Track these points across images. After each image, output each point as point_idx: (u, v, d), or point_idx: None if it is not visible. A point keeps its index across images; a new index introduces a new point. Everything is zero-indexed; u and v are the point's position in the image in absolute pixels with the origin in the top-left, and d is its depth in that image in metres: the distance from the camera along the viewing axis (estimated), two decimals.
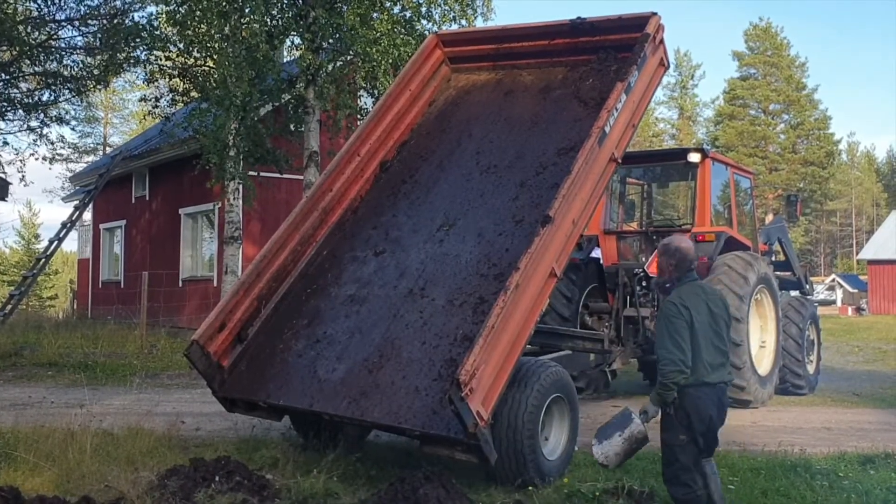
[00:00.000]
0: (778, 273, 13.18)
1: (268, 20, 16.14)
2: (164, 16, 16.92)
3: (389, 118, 8.69)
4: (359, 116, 16.73)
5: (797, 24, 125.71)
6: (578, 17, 8.38)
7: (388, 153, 8.69)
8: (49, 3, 19.17)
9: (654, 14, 7.92)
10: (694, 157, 11.84)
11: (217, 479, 5.86)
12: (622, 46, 8.06)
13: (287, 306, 7.69)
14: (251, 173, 16.97)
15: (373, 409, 6.33)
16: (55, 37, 20.24)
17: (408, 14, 16.51)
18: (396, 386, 6.39)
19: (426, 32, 15.80)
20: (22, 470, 6.31)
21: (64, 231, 20.39)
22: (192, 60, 17.56)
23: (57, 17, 19.73)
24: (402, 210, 8.08)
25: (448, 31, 12.27)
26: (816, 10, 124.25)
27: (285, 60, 20.41)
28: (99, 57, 19.50)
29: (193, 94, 17.83)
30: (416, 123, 8.94)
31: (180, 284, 22.39)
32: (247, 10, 15.65)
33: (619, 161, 7.62)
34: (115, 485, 5.89)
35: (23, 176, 22.73)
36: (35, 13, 19.56)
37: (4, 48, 19.31)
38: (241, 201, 16.50)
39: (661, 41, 8.12)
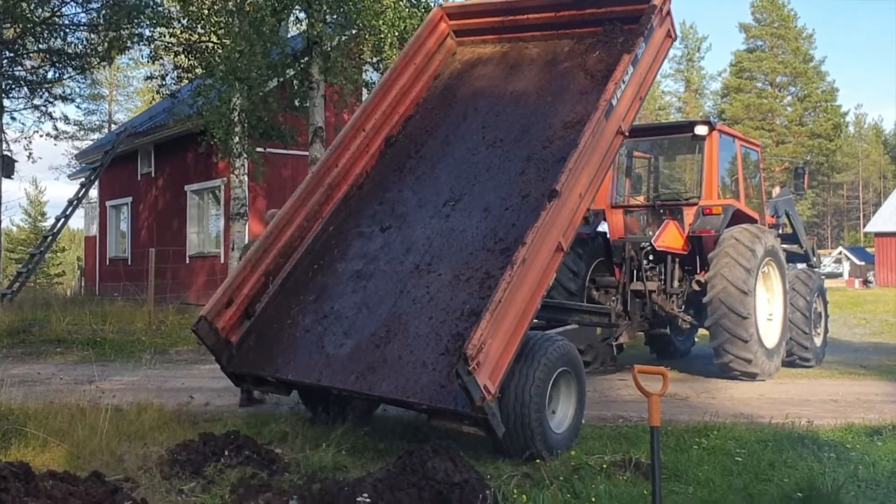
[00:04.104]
0: (785, 246, 13.14)
1: None
2: None
3: (394, 93, 8.61)
4: (365, 90, 16.65)
5: None
6: None
7: (393, 128, 8.63)
8: None
9: None
10: (701, 130, 11.79)
11: (226, 453, 5.90)
12: (628, 18, 7.96)
13: (294, 282, 7.70)
14: (258, 149, 16.95)
15: (380, 384, 6.35)
16: (59, 14, 20.14)
17: None
18: (404, 360, 6.39)
19: (431, 4, 15.70)
20: (32, 446, 6.34)
21: (70, 208, 20.47)
22: (197, 36, 17.49)
23: None
24: (407, 185, 8.04)
25: (453, 4, 12.15)
26: None
27: (290, 35, 20.31)
28: (103, 34, 19.41)
29: (198, 70, 17.77)
30: (421, 98, 8.86)
31: (187, 261, 22.45)
32: None
33: (626, 134, 7.58)
34: (126, 460, 5.93)
35: (30, 154, 22.72)
36: None
37: (8, 25, 19.23)
38: (246, 177, 16.48)
39: (668, 12, 8.02)
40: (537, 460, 6.29)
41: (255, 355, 7.26)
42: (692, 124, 12.11)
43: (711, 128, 11.85)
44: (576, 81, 8.00)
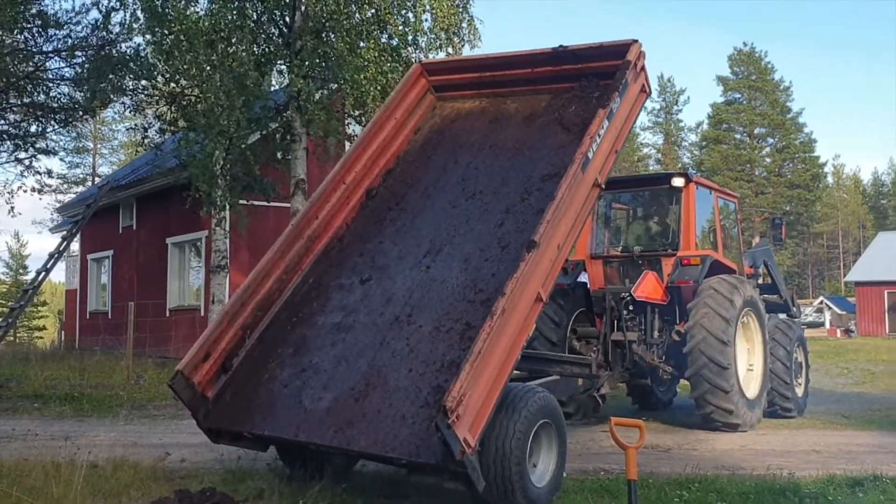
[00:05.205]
0: (764, 296, 13.22)
1: (255, 48, 16.25)
2: (151, 46, 17.00)
3: (375, 146, 8.70)
4: (347, 143, 16.79)
5: (781, 48, 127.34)
6: (560, 46, 8.44)
7: (373, 181, 8.71)
8: (36, 34, 19.22)
9: (635, 41, 8.03)
10: (678, 182, 11.95)
11: None
12: (604, 74, 8.13)
13: (272, 335, 7.65)
14: (241, 202, 17.00)
15: (359, 439, 6.28)
16: (42, 68, 20.27)
17: (394, 42, 16.63)
18: (383, 414, 6.33)
19: (412, 59, 15.92)
20: None
21: (51, 261, 20.28)
22: (180, 89, 17.64)
23: (44, 49, 19.77)
24: (388, 237, 8.08)
25: (432, 60, 12.35)
26: (800, 34, 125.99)
27: (272, 89, 20.53)
28: (87, 88, 19.54)
29: (181, 123, 17.88)
30: (401, 151, 8.96)
31: (167, 314, 22.32)
32: (234, 40, 15.75)
33: (603, 187, 7.69)
34: None
35: (11, 208, 22.84)
36: (22, 45, 19.59)
37: None
38: (228, 229, 16.49)
39: (643, 68, 8.22)
40: None
41: (231, 410, 7.18)
42: (669, 176, 12.27)
43: (688, 179, 12.00)
44: (553, 135, 8.12)
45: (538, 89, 8.72)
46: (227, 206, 16.27)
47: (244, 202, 17.22)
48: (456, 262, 7.36)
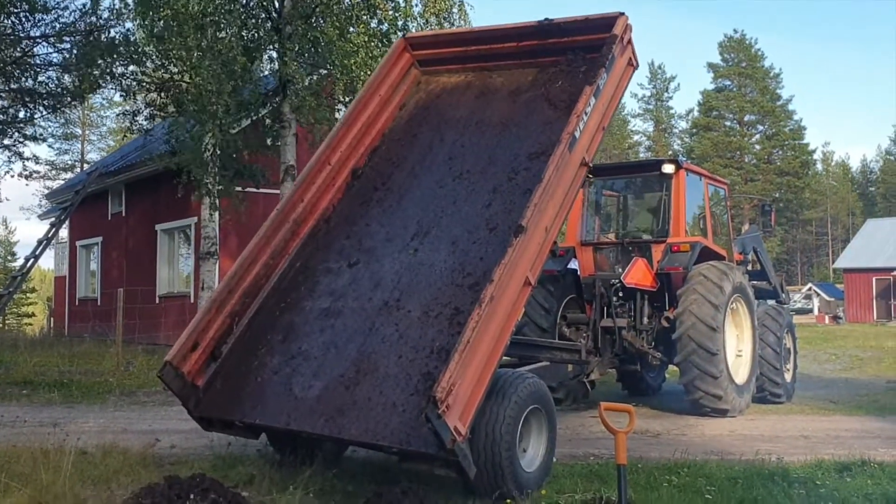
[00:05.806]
0: (754, 282, 13.26)
1: (244, 33, 16.14)
2: (141, 31, 16.87)
3: (360, 124, 8.57)
4: None
5: (771, 35, 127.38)
6: (546, 19, 8.28)
7: (359, 160, 8.56)
8: (23, 19, 19.05)
9: (622, 14, 7.88)
10: (668, 168, 11.95)
11: (192, 496, 5.79)
12: (590, 47, 7.99)
13: (261, 322, 7.59)
14: (222, 187, 16.91)
15: (350, 427, 6.26)
16: (30, 53, 20.10)
17: (384, 27, 16.55)
18: (373, 402, 6.31)
19: None
20: None
21: (40, 248, 20.23)
22: (170, 75, 17.53)
23: (32, 34, 19.61)
24: (374, 218, 7.99)
25: (416, 33, 12.16)
26: (790, 22, 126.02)
27: (262, 74, 20.42)
28: (75, 73, 19.37)
29: (171, 108, 17.78)
30: (386, 128, 8.82)
31: (157, 301, 22.24)
32: (223, 24, 15.63)
33: (590, 165, 7.58)
34: None
35: None
36: (9, 30, 19.42)
37: None
38: (217, 216, 16.41)
39: (629, 41, 8.07)
40: (508, 500, 6.24)
41: (222, 399, 7.15)
42: (659, 162, 12.27)
43: (678, 166, 12.00)
44: (540, 111, 8.02)
45: (524, 63, 8.58)
46: (215, 193, 16.18)
47: (221, 188, 17.11)
48: (444, 244, 7.30)
